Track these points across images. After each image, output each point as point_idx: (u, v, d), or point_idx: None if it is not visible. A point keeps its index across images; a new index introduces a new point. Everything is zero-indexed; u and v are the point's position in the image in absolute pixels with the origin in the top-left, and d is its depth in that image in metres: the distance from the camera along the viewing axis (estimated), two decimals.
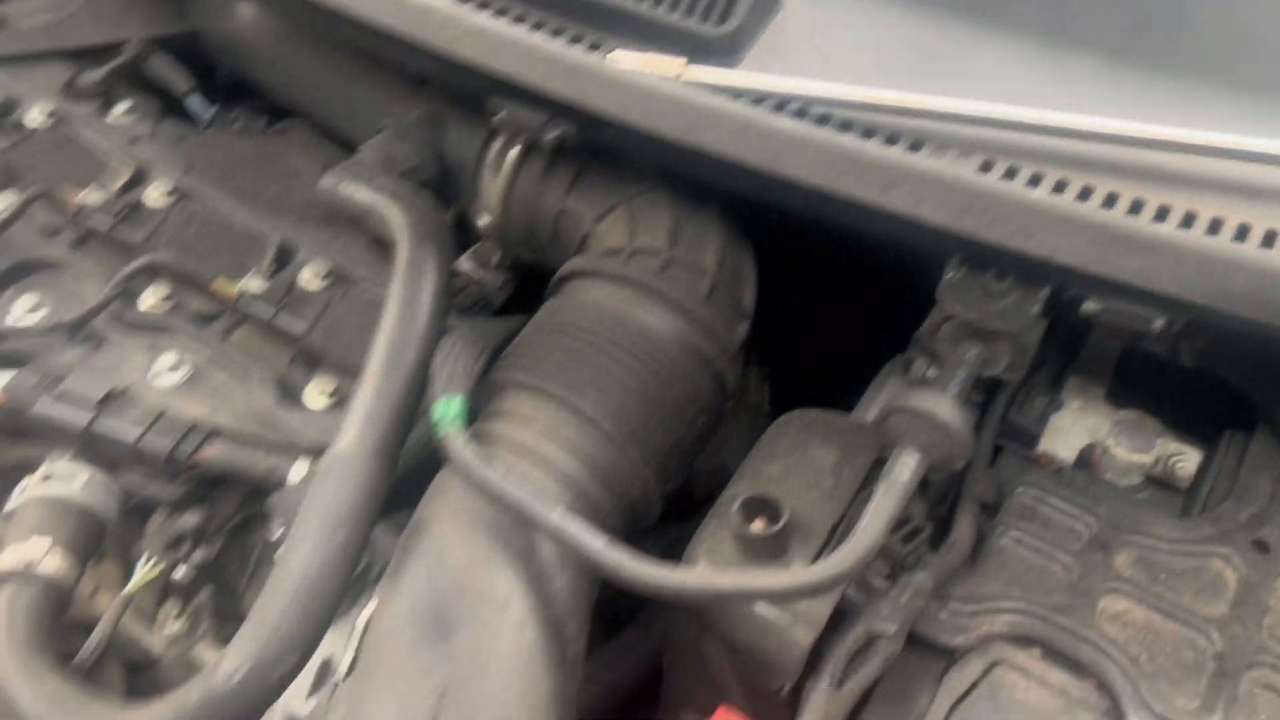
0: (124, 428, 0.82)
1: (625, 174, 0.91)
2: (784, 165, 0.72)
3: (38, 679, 0.73)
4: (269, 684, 0.69)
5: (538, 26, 0.84)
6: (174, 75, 1.16)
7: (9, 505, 0.88)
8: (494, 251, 1.01)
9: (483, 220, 0.97)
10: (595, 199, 0.91)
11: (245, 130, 1.15)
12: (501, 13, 0.85)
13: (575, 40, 0.83)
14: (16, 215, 0.94)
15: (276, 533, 0.86)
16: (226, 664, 0.69)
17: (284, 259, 0.97)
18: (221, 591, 0.89)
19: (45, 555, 0.80)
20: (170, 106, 1.16)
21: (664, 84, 0.76)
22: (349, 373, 0.90)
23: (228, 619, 0.90)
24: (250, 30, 1.15)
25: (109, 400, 0.83)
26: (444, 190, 0.99)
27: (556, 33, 0.84)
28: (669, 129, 0.74)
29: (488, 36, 0.79)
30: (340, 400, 0.89)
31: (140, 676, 0.93)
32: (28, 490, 0.85)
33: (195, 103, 1.16)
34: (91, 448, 0.84)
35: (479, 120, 0.98)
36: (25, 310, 0.91)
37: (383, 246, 0.98)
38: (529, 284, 1.02)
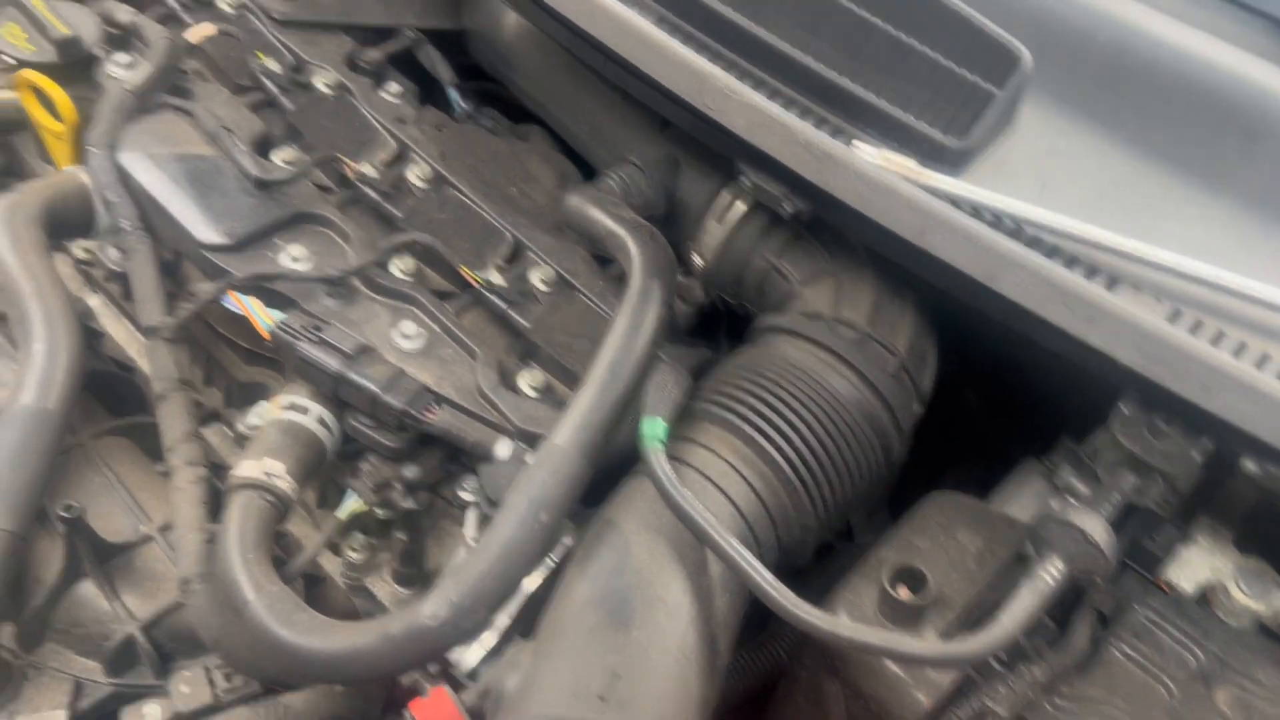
0: (368, 380, 0.94)
1: (836, 247, 1.01)
2: (998, 282, 0.81)
3: (262, 580, 0.85)
4: (461, 630, 0.81)
5: (790, 104, 0.94)
6: (440, 66, 1.29)
7: (248, 419, 1.02)
8: (696, 288, 1.11)
9: (697, 260, 1.07)
10: (805, 265, 1.01)
11: (492, 128, 1.27)
12: (759, 84, 0.95)
13: (821, 123, 0.93)
14: (305, 172, 1.07)
15: (465, 494, 0.99)
16: (430, 605, 0.80)
17: (514, 256, 1.09)
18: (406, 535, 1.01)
19: (278, 473, 0.93)
20: (427, 94, 1.30)
21: (902, 184, 0.85)
22: (557, 370, 1.01)
23: (403, 559, 1.01)
24: (514, 38, 1.28)
25: (359, 353, 0.95)
26: (667, 225, 1.09)
27: (805, 113, 0.93)
28: (900, 227, 0.83)
29: (754, 113, 0.89)
30: (546, 393, 1.00)
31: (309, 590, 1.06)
32: (268, 413, 0.98)
33: (454, 94, 1.29)
34: (332, 388, 0.96)
35: (711, 170, 1.08)
36: (294, 258, 1.04)
37: (600, 262, 1.10)
38: None
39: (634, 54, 0.94)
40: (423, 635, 0.80)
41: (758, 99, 0.89)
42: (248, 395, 1.12)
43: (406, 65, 1.31)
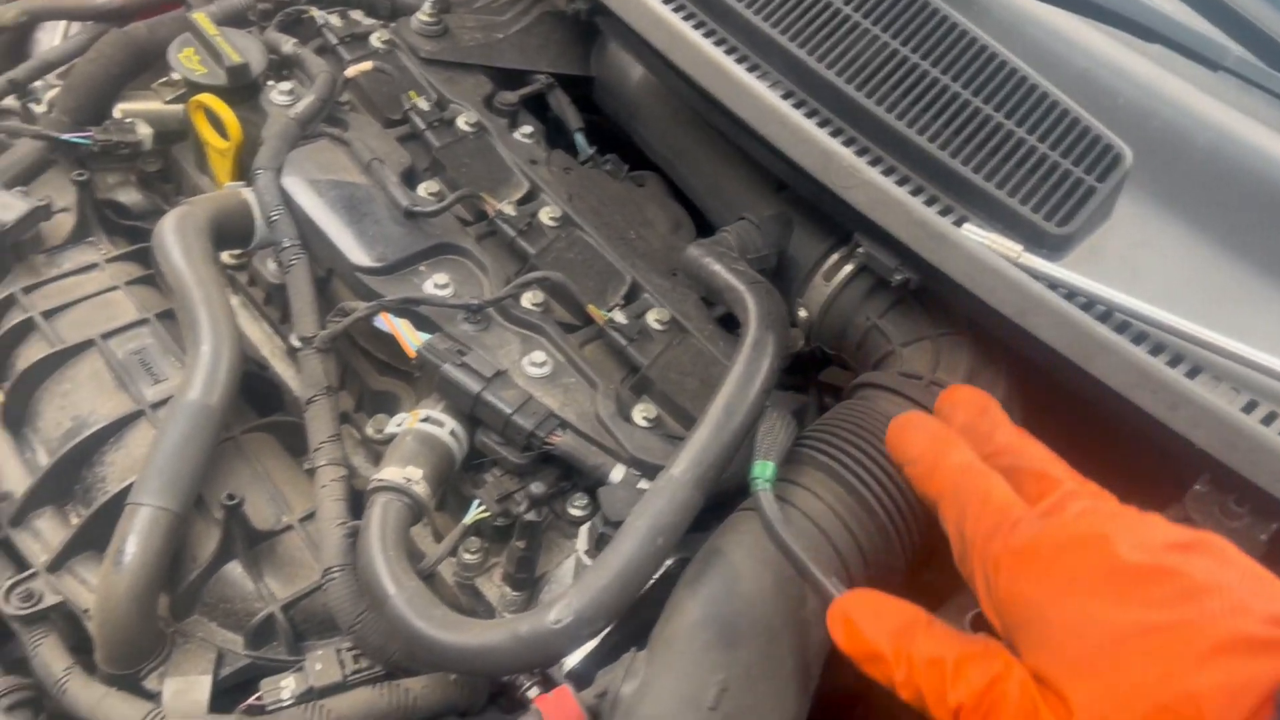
0: (503, 403, 1.04)
1: (936, 313, 1.09)
2: (1092, 364, 0.89)
3: (401, 576, 0.94)
4: (579, 636, 0.89)
5: (905, 181, 1.03)
6: (569, 111, 1.40)
7: (388, 428, 1.12)
8: (799, 337, 1.20)
9: (802, 313, 1.16)
10: (907, 327, 1.10)
11: (612, 172, 1.38)
12: (877, 160, 1.04)
13: (933, 201, 1.02)
14: (450, 205, 1.18)
15: (574, 510, 1.08)
16: (555, 612, 0.89)
17: (631, 297, 1.19)
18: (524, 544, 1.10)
19: (416, 479, 1.03)
20: (554, 137, 1.40)
21: (1007, 267, 0.93)
22: (668, 405, 1.10)
23: (518, 565, 1.10)
24: (640, 90, 1.38)
25: (495, 377, 1.05)
26: (775, 278, 1.19)
27: (918, 190, 1.02)
28: (1004, 306, 0.92)
29: (876, 191, 0.98)
30: (657, 425, 1.09)
31: None
32: (407, 423, 1.08)
33: (581, 139, 1.39)
34: (469, 407, 1.06)
35: (822, 231, 1.17)
36: (437, 284, 1.14)
37: (708, 306, 1.19)
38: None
39: (766, 128, 1.03)
40: (547, 638, 0.88)
41: (879, 179, 0.98)
42: (377, 403, 1.22)
43: (535, 107, 1.42)
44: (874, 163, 1.02)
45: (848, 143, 1.04)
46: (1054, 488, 0.77)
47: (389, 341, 1.15)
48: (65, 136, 1.31)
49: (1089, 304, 0.95)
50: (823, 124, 1.05)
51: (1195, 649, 0.61)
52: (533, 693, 1.05)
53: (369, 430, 1.19)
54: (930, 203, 1.01)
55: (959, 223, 0.99)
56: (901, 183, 1.02)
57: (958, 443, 0.85)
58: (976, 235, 0.96)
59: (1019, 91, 1.04)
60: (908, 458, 0.88)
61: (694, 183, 1.32)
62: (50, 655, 1.04)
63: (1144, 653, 0.63)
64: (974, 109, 1.03)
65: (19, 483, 1.13)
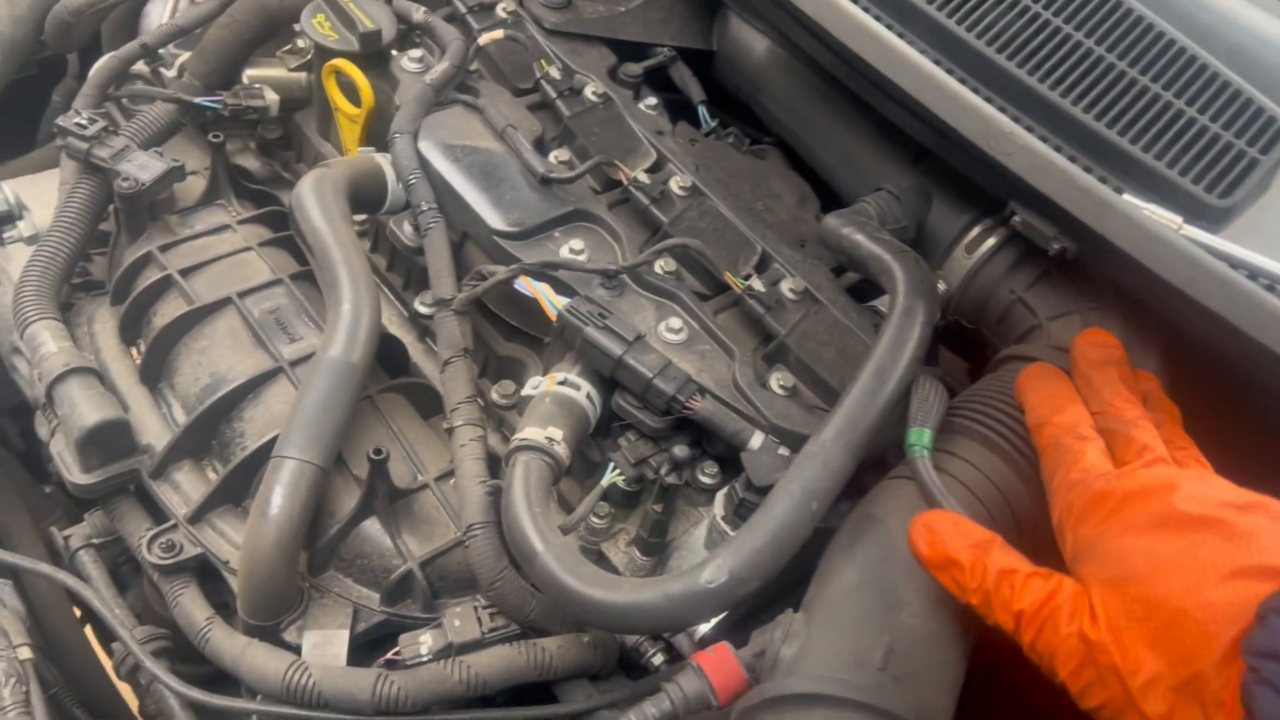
0: (644, 366, 1.04)
1: (1084, 285, 1.08)
2: (1264, 333, 0.87)
3: (548, 533, 0.94)
4: (733, 597, 0.89)
5: (1058, 151, 1.01)
6: (691, 84, 1.39)
7: (525, 390, 1.12)
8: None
9: (941, 287, 1.15)
10: (1053, 300, 1.08)
11: (735, 145, 1.37)
12: (1029, 130, 1.02)
13: (1088, 172, 1.00)
14: (586, 171, 1.18)
15: (705, 478, 1.08)
16: (709, 571, 0.88)
17: (762, 266, 1.18)
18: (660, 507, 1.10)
19: (557, 439, 1.03)
20: (677, 110, 1.40)
21: (1174, 235, 0.92)
22: (804, 374, 1.09)
23: (652, 530, 1.10)
24: (766, 62, 1.37)
25: (636, 341, 1.05)
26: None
27: (1072, 161, 1.01)
28: (1172, 275, 0.90)
29: (1037, 157, 0.96)
30: (793, 394, 1.08)
31: None
32: (544, 385, 1.08)
33: (704, 111, 1.39)
34: (610, 370, 1.06)
35: (963, 202, 1.16)
36: (573, 250, 1.15)
37: (833, 276, 1.18)
38: None
39: (923, 94, 1.02)
40: (701, 597, 0.88)
41: (1040, 145, 0.97)
42: (503, 368, 1.23)
43: (658, 80, 1.42)
44: (1027, 131, 1.01)
45: (1000, 110, 1.02)
46: (1143, 453, 0.84)
47: (522, 305, 1.15)
48: (198, 100, 1.33)
49: (1252, 276, 0.93)
50: (971, 89, 1.04)
51: (1219, 571, 0.70)
52: (657, 659, 1.06)
53: (494, 396, 1.20)
54: (1087, 172, 1.00)
55: (1117, 192, 0.98)
56: (1056, 152, 1.00)
57: (1071, 400, 0.92)
58: (1137, 204, 0.95)
59: (1177, 62, 1.02)
60: (1028, 406, 0.94)
61: (823, 155, 1.31)
62: (192, 605, 1.05)
63: (1176, 570, 0.72)
64: (1130, 79, 1.01)
65: (158, 437, 1.15)
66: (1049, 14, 1.06)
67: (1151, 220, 0.93)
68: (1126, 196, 0.96)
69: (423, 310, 1.24)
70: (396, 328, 1.31)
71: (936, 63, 1.07)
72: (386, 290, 1.34)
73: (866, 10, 1.10)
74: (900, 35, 1.08)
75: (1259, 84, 1.03)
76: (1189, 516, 0.75)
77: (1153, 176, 0.98)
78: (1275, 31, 1.09)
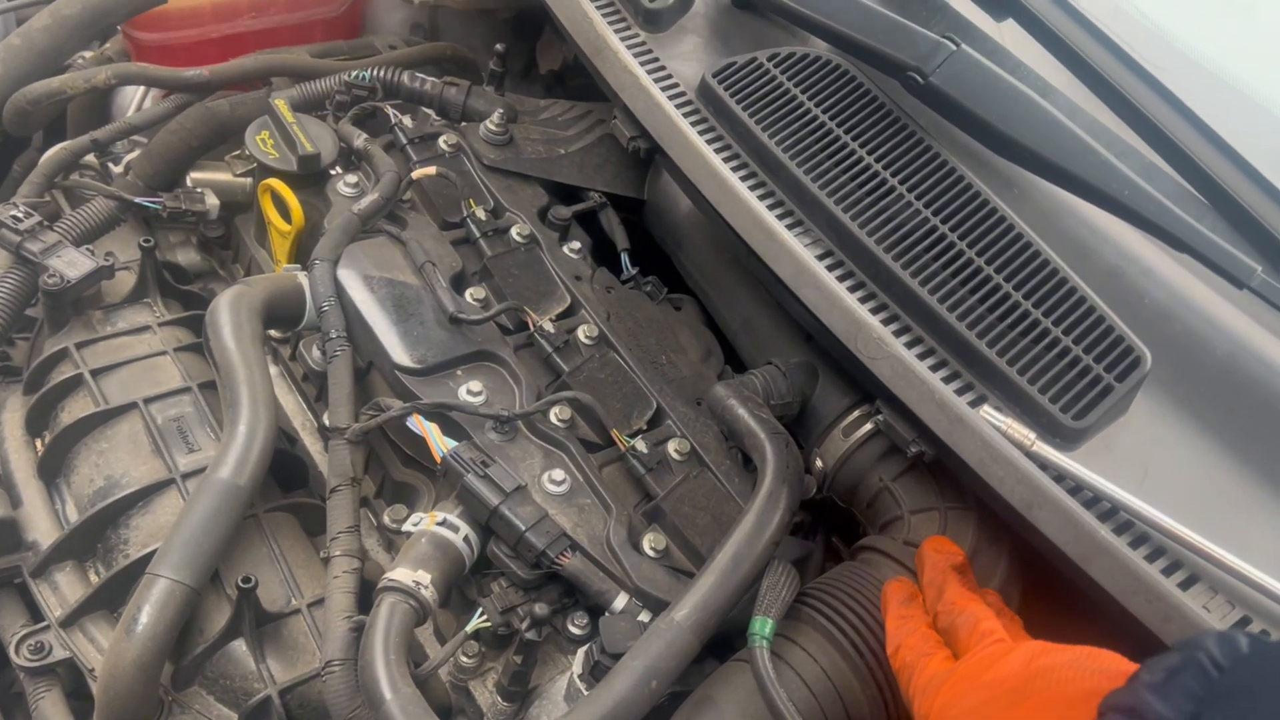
0: (519, 519, 1.07)
1: (947, 485, 1.12)
2: (1090, 565, 0.91)
3: (399, 681, 0.95)
4: None
5: (930, 353, 1.06)
6: (618, 231, 1.45)
7: (405, 526, 1.15)
8: (812, 485, 1.23)
9: (818, 463, 1.20)
10: (918, 495, 1.13)
11: (652, 294, 1.42)
12: (905, 329, 1.08)
13: (955, 376, 1.05)
14: (495, 315, 1.23)
15: (574, 629, 1.11)
16: None
17: (655, 421, 1.22)
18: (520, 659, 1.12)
19: (425, 583, 1.06)
20: (600, 250, 1.45)
21: (1019, 458, 0.97)
22: (677, 538, 1.13)
23: (512, 678, 1.13)
24: (688, 222, 1.43)
25: (515, 492, 1.09)
26: (795, 424, 1.22)
27: (942, 364, 1.06)
28: (1012, 497, 0.95)
29: (901, 365, 1.01)
30: (664, 555, 1.12)
31: None
32: (423, 524, 1.11)
33: (625, 259, 1.44)
34: (485, 518, 1.09)
35: (846, 387, 1.21)
36: (471, 391, 1.18)
37: (727, 441, 1.22)
38: None
39: (801, 289, 1.08)
40: None
41: (905, 354, 1.02)
42: (398, 492, 1.26)
43: (585, 220, 1.48)
44: (901, 332, 1.06)
45: (878, 309, 1.08)
46: (984, 637, 0.90)
47: (417, 440, 1.19)
48: (138, 200, 1.38)
49: (1094, 499, 0.98)
50: (856, 287, 1.09)
51: (1065, 697, 0.77)
52: None
53: (386, 518, 1.23)
54: (952, 378, 1.05)
55: (979, 401, 1.03)
56: (926, 355, 1.06)
57: (921, 622, 0.97)
58: (993, 419, 1.00)
59: (1050, 283, 1.08)
60: (887, 630, 0.99)
61: (728, 317, 1.36)
62: (51, 710, 1.07)
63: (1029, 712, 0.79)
64: (1004, 294, 1.07)
65: (46, 534, 1.17)
66: (938, 220, 1.12)
67: (1001, 439, 0.98)
68: (987, 409, 1.01)
69: (328, 432, 1.27)
70: (309, 435, 1.34)
71: (829, 254, 1.13)
72: (300, 397, 1.37)
73: (770, 196, 1.16)
74: (799, 224, 1.14)
75: (1129, 305, 1.09)
76: (1017, 674, 0.82)
77: (1015, 390, 1.03)
78: (1151, 258, 1.15)
